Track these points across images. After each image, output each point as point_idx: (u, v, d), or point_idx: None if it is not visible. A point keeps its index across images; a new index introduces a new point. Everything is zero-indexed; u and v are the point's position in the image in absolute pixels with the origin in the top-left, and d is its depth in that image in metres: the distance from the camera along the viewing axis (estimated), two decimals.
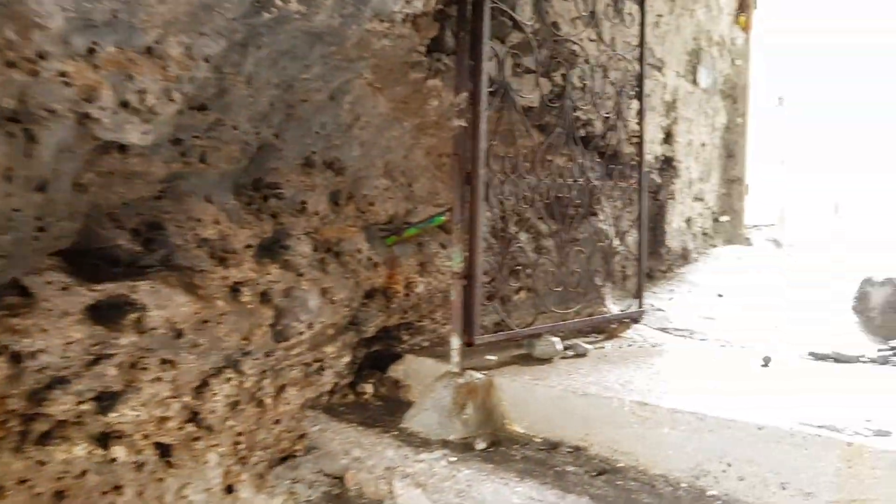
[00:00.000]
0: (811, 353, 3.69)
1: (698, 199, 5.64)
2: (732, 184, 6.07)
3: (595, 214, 4.34)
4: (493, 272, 3.42)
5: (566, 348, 3.63)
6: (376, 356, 3.51)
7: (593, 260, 4.07)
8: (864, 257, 5.83)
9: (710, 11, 5.63)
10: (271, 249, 2.99)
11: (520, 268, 3.80)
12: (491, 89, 3.26)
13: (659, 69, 4.96)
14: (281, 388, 3.11)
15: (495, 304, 3.36)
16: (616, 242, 4.28)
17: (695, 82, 5.48)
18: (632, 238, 4.50)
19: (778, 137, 6.71)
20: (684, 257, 5.40)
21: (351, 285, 3.24)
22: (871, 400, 2.65)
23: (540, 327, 3.62)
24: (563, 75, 3.93)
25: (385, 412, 3.32)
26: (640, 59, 4.37)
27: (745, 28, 6.09)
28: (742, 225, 6.12)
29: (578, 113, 4.15)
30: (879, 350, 3.75)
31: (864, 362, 3.56)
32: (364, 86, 3.11)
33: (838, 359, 3.59)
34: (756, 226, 6.40)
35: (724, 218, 6.04)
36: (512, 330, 3.45)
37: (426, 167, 3.56)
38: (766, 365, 3.43)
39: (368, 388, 3.46)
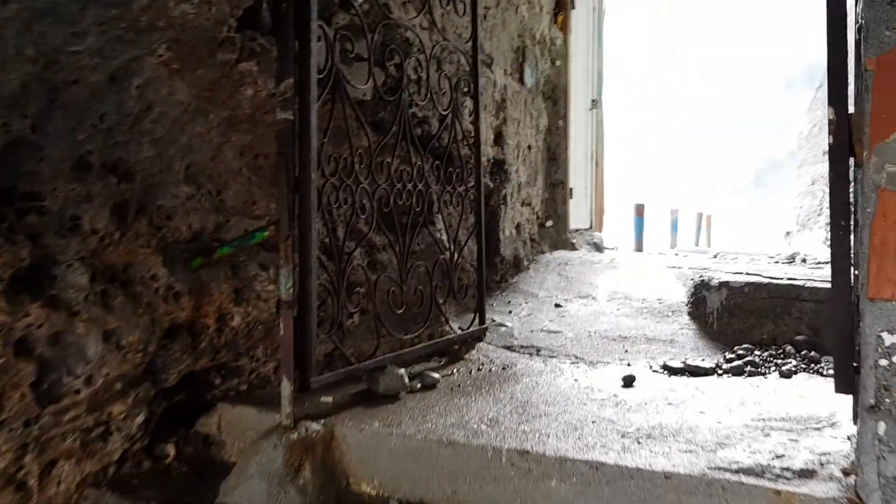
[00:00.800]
0: (665, 367, 3.55)
1: (526, 203, 5.46)
2: (556, 188, 5.99)
3: (433, 223, 3.94)
4: (326, 295, 2.89)
5: (412, 378, 3.19)
6: (180, 407, 2.84)
7: (434, 274, 3.67)
8: (684, 259, 6.02)
9: (533, 8, 5.49)
10: (30, 282, 2.24)
11: (357, 288, 3.30)
12: (320, 76, 2.73)
13: (488, 66, 4.68)
14: (50, 465, 2.37)
15: (329, 333, 2.83)
16: (454, 253, 3.91)
17: (521, 81, 5.29)
18: (469, 248, 4.16)
19: (594, 140, 6.78)
20: (516, 266, 5.19)
21: (145, 323, 2.55)
22: (764, 426, 2.46)
23: (383, 358, 3.14)
24: (398, 65, 3.48)
25: (194, 481, 2.68)
26: (474, 52, 4.04)
27: (563, 28, 6.04)
28: (567, 230, 6.07)
29: (415, 109, 3.73)
30: (727, 359, 3.71)
31: (720, 374, 3.48)
32: (158, 66, 2.45)
33: (694, 372, 3.48)
34: (578, 230, 6.39)
35: (549, 223, 5.94)
36: (351, 365, 2.94)
37: (240, 171, 2.95)
38: (628, 385, 3.22)
39: (170, 451, 2.78)
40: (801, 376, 3.41)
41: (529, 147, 5.53)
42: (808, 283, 4.18)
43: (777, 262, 6.27)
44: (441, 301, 3.82)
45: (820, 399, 2.89)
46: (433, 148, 3.81)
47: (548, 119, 5.93)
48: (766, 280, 4.31)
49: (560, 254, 5.81)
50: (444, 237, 3.98)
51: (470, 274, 4.40)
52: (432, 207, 3.76)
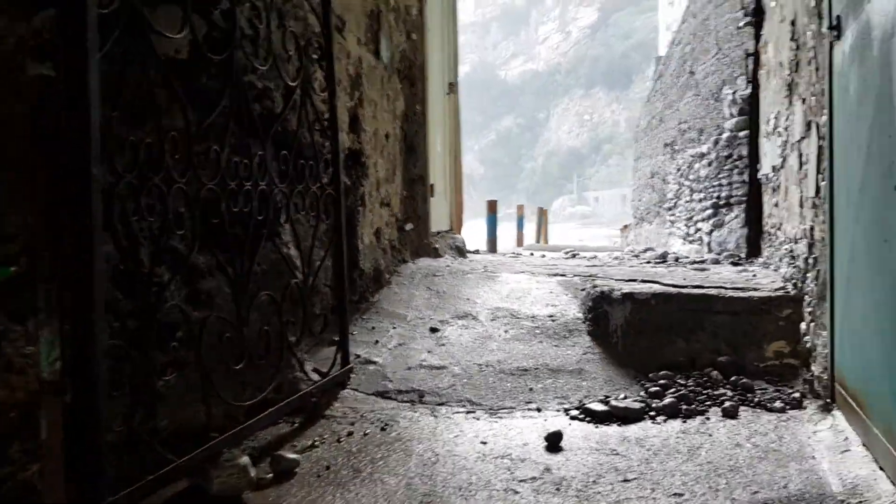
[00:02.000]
0: (586, 412, 2.85)
1: (385, 204, 4.61)
2: (415, 184, 5.19)
3: (280, 235, 2.99)
4: (121, 350, 1.89)
5: (259, 458, 2.26)
6: None
7: (283, 305, 2.73)
8: (557, 261, 5.45)
9: None
10: None
11: (175, 339, 2.29)
12: (103, 9, 1.73)
13: (339, 31, 3.77)
14: None
15: (130, 419, 1.84)
16: (308, 274, 2.99)
17: (377, 55, 4.42)
18: (326, 264, 3.25)
19: (451, 129, 6.06)
20: (377, 280, 4.33)
21: None
22: None
23: (216, 442, 2.17)
24: (227, 12, 2.49)
25: None
26: (325, 7, 3.13)
27: None
28: (428, 233, 5.29)
29: (253, 77, 2.76)
30: (650, 392, 3.08)
31: (653, 417, 2.82)
32: None
33: (624, 417, 2.80)
34: (439, 232, 5.64)
35: (409, 226, 5.13)
36: (169, 462, 1.96)
37: None
38: (553, 447, 2.47)
39: None
40: (746, 415, 2.84)
41: (388, 136, 4.67)
42: (722, 293, 3.66)
43: (650, 262, 5.87)
44: (294, 339, 2.88)
45: (800, 453, 2.29)
46: (278, 133, 2.87)
47: (405, 103, 5.11)
48: (675, 290, 3.76)
49: (425, 262, 5.01)
50: (295, 253, 3.04)
51: (326, 298, 3.48)
52: (279, 214, 2.82)
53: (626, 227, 12.04)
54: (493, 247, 8.10)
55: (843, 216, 2.37)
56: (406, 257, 4.97)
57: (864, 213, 2.07)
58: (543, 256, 7.43)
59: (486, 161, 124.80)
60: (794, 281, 3.58)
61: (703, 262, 5.58)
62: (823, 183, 2.73)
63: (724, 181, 6.06)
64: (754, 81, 4.65)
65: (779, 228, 4.15)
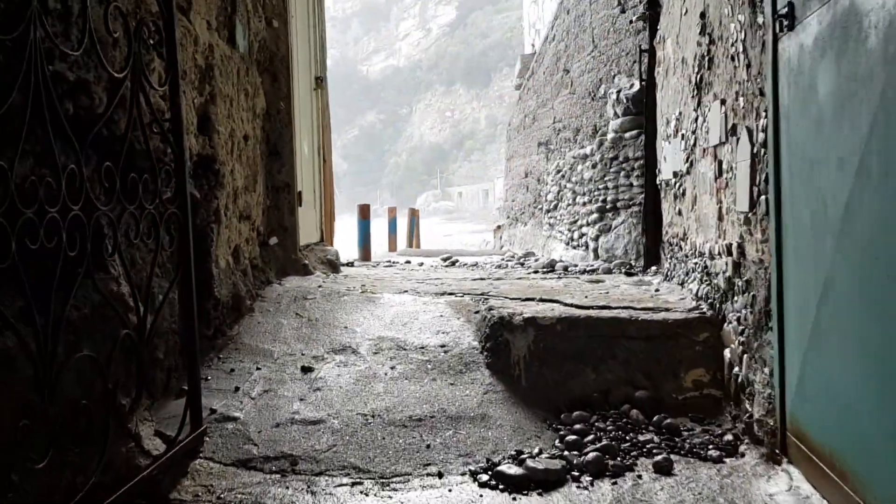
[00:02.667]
0: (498, 476, 2.38)
1: (245, 217, 3.96)
2: (280, 192, 4.55)
3: (106, 269, 2.31)
4: None
5: None
6: None
7: (113, 357, 2.09)
8: (440, 272, 4.97)
9: None
10: None
11: None
12: None
13: (184, 11, 3.10)
14: None
15: None
16: (147, 316, 2.34)
17: (232, 43, 3.75)
18: (172, 297, 2.60)
19: (319, 129, 5.44)
20: (237, 308, 3.67)
21: None
22: None
23: None
24: None
25: None
26: None
27: None
28: (296, 247, 4.66)
29: (61, 66, 2.08)
30: (567, 441, 2.65)
31: (577, 479, 2.38)
32: None
33: (543, 481, 2.34)
34: (308, 245, 5.02)
35: (273, 240, 4.49)
36: None
37: None
38: None
39: None
40: (681, 467, 2.46)
41: (246, 137, 4.02)
42: (633, 315, 3.31)
43: (538, 272, 5.52)
44: (126, 404, 2.23)
45: None
46: (101, 137, 2.21)
47: (266, 100, 4.45)
48: (582, 313, 3.37)
49: (293, 282, 4.38)
50: (128, 290, 2.37)
51: (169, 340, 2.83)
52: (103, 243, 2.16)
53: (499, 227, 11.81)
54: (366, 254, 7.53)
55: (805, 240, 2.02)
56: (271, 277, 4.33)
57: (852, 241, 1.71)
58: (421, 265, 6.95)
59: (349, 157, 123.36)
60: (710, 301, 3.28)
61: (594, 270, 5.29)
62: (764, 197, 2.39)
63: (610, 184, 5.81)
64: (649, 80, 4.38)
65: (683, 239, 3.88)
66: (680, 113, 3.84)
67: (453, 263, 7.06)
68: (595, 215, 5.92)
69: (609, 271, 5.13)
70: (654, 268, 4.58)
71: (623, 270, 5.12)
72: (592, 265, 5.56)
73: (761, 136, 2.46)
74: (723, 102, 2.98)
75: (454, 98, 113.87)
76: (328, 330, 3.70)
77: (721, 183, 3.05)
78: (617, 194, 5.72)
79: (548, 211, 7.77)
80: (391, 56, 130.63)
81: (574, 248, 6.42)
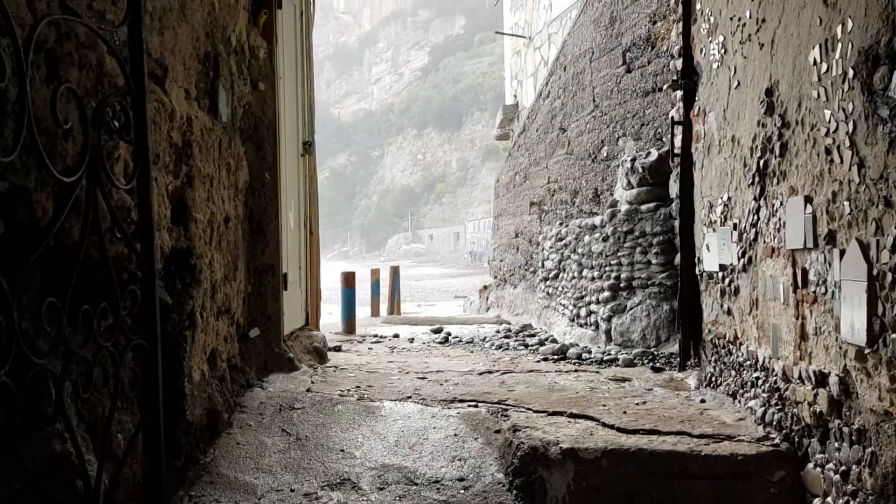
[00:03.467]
0: None
1: (224, 311, 3.38)
2: (264, 276, 3.99)
3: (55, 418, 1.72)
4: None
5: None
6: None
7: None
8: (440, 355, 4.38)
9: None
10: None
11: None
12: None
13: (159, 80, 2.56)
14: None
15: None
16: (102, 474, 1.75)
17: (214, 112, 3.21)
18: (134, 452, 2.02)
19: (306, 198, 4.89)
20: (212, 427, 3.07)
21: None
22: None
23: None
24: None
25: None
26: (135, 50, 1.95)
27: (268, 33, 4.10)
28: (280, 338, 4.08)
29: None
30: None
31: None
32: None
33: None
34: (293, 333, 4.43)
35: (254, 332, 3.90)
36: None
37: None
38: None
39: None
40: None
41: (227, 219, 3.45)
42: (695, 450, 2.76)
43: (548, 360, 4.98)
44: None
45: None
46: (48, 253, 1.65)
47: (250, 172, 3.90)
48: (630, 444, 2.82)
49: (278, 385, 3.77)
50: (75, 447, 1.78)
51: (136, 487, 2.23)
52: (46, 392, 1.59)
53: (485, 287, 11.27)
54: (350, 327, 6.92)
55: None
56: (251, 378, 3.72)
57: None
58: (412, 341, 6.37)
59: (320, 198, 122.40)
60: (783, 430, 2.75)
61: (613, 360, 4.76)
62: None
63: (624, 260, 5.31)
64: (684, 156, 3.91)
65: (734, 343, 3.36)
66: (729, 198, 3.36)
67: (446, 339, 6.48)
68: (607, 293, 5.41)
69: (631, 363, 4.59)
70: (688, 366, 4.06)
71: (648, 363, 4.59)
72: (609, 352, 5.03)
73: (887, 256, 1.97)
74: (808, 200, 2.49)
75: (426, 141, 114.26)
76: (321, 453, 3.09)
77: (805, 295, 2.55)
78: (632, 272, 5.23)
79: (546, 279, 7.26)
80: (363, 99, 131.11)
81: (581, 325, 5.89)
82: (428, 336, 6.86)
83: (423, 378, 4.16)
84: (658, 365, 4.47)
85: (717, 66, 3.52)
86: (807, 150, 2.53)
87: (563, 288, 6.50)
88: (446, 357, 5.20)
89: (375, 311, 9.57)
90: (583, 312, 5.86)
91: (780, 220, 2.79)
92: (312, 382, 3.87)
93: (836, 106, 2.27)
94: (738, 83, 3.26)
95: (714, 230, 3.55)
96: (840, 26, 2.24)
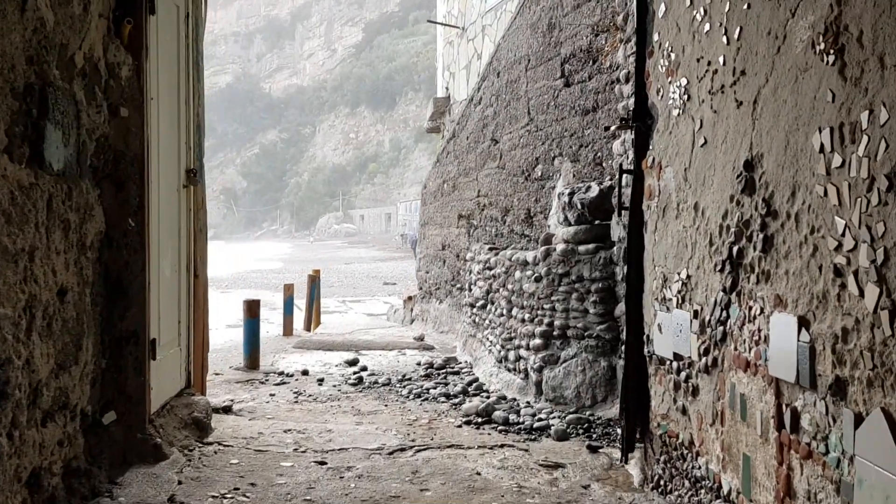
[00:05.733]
0: None
1: (60, 408, 2.63)
2: (123, 346, 3.23)
3: None
4: None
5: None
6: None
7: None
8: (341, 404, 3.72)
9: (68, 5, 2.68)
10: None
11: None
12: None
13: None
14: None
15: None
16: None
17: (38, 161, 2.43)
18: None
19: (190, 236, 4.12)
20: None
21: None
22: None
23: None
24: None
25: None
26: None
27: (134, 47, 3.31)
28: (146, 420, 3.34)
29: None
30: None
31: None
32: None
33: None
34: (166, 405, 3.68)
35: (109, 416, 3.16)
36: None
37: None
38: None
39: None
40: None
41: (64, 292, 2.69)
42: None
43: (472, 422, 4.37)
44: None
45: None
46: None
47: (106, 218, 3.13)
48: None
49: (132, 493, 3.02)
50: None
51: None
52: None
53: (410, 298, 10.61)
54: (254, 362, 6.14)
55: None
56: (98, 482, 2.96)
57: None
58: (322, 382, 5.66)
59: (249, 175, 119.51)
60: None
61: (544, 428, 4.18)
62: None
63: (558, 305, 4.73)
64: (634, 209, 3.32)
65: (688, 449, 2.80)
66: (689, 277, 2.78)
67: (360, 379, 5.78)
68: (538, 341, 4.82)
69: (565, 435, 4.01)
70: (632, 453, 3.49)
71: (583, 432, 4.03)
72: (540, 413, 4.44)
73: None
74: (803, 324, 1.92)
75: (358, 120, 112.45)
76: None
77: (794, 442, 1.98)
78: (567, 319, 4.65)
79: (472, 305, 6.65)
80: (295, 75, 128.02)
81: (509, 370, 5.30)
82: (341, 371, 6.16)
83: (323, 463, 3.47)
84: (595, 441, 3.91)
85: (678, 114, 2.93)
86: (802, 256, 1.95)
87: (490, 322, 5.90)
88: (355, 415, 4.52)
89: (289, 331, 8.77)
90: (511, 356, 5.27)
91: (759, 330, 2.21)
92: (180, 483, 3.13)
93: (857, 219, 1.68)
94: (705, 141, 2.67)
95: (668, 309, 2.97)
96: (867, 113, 1.65)
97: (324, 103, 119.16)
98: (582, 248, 4.58)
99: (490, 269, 5.96)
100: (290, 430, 4.06)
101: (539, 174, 6.34)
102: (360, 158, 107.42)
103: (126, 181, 3.28)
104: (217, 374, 5.86)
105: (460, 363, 6.43)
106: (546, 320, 4.81)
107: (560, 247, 4.72)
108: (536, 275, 4.92)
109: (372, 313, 14.94)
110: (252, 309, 6.23)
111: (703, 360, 2.65)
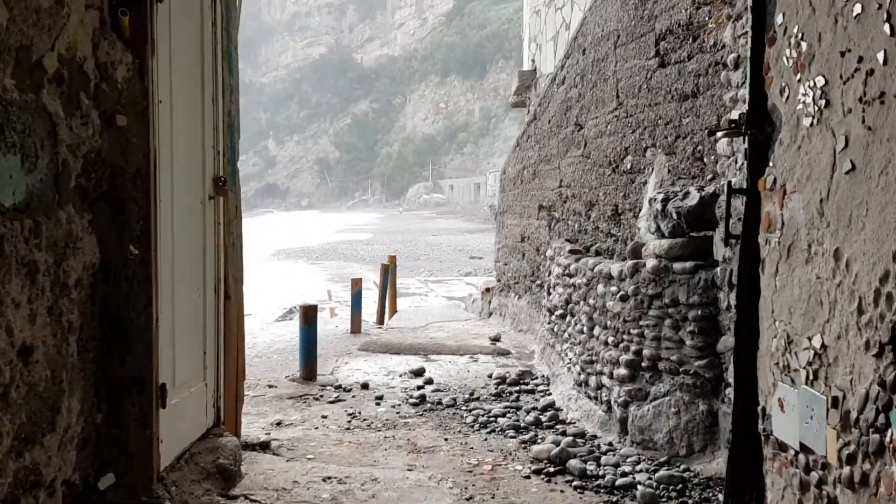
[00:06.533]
0: None
1: (30, 487, 2.18)
2: (125, 395, 2.74)
3: None
4: None
5: None
6: None
7: None
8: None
9: None
10: None
11: None
12: None
13: None
14: None
15: None
16: None
17: None
18: None
19: (217, 252, 3.64)
20: None
21: None
22: None
23: None
24: None
25: None
26: None
27: (135, 42, 2.80)
28: (153, 479, 2.86)
29: None
30: None
31: None
32: None
33: None
34: (186, 452, 3.22)
35: (106, 480, 2.69)
36: None
37: None
38: None
39: None
40: None
41: (26, 353, 2.21)
42: None
43: (543, 470, 3.73)
44: None
45: None
46: None
47: (102, 248, 2.65)
48: None
49: None
50: None
51: None
52: None
53: (488, 290, 9.99)
54: (310, 372, 5.66)
55: None
56: None
57: None
58: (380, 401, 5.14)
59: (341, 145, 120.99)
60: None
61: (629, 486, 3.50)
62: None
63: (647, 332, 4.02)
64: (747, 240, 2.58)
65: None
66: (824, 347, 2.05)
67: (423, 398, 5.23)
68: (624, 371, 4.13)
69: (654, 500, 3.33)
70: None
71: (676, 496, 3.34)
72: (624, 463, 3.76)
73: None
74: None
75: (448, 89, 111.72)
76: None
77: None
78: (658, 349, 3.93)
79: (551, 311, 5.98)
80: (386, 45, 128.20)
81: (589, 398, 4.63)
82: (404, 384, 5.63)
83: None
84: None
85: (812, 124, 2.17)
86: None
87: (569, 335, 5.22)
88: (410, 452, 3.97)
89: (356, 328, 8.31)
90: (592, 382, 4.59)
91: None
92: None
93: None
94: (853, 166, 1.92)
95: (793, 382, 2.24)
96: None
97: (414, 73, 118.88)
98: (678, 265, 3.84)
99: (570, 276, 5.26)
100: (330, 478, 3.52)
101: (628, 166, 5.56)
102: (450, 128, 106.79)
103: (126, 201, 2.77)
104: (271, 385, 5.43)
105: (536, 377, 5.79)
106: (633, 347, 4.11)
107: (651, 263, 3.99)
108: (623, 293, 4.21)
109: (453, 296, 14.44)
110: (308, 315, 5.75)
111: (847, 469, 1.93)
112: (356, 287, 8.35)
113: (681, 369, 3.82)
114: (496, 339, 7.76)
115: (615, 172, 5.84)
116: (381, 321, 9.77)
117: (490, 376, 5.88)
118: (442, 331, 8.55)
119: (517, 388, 5.47)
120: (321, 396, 5.18)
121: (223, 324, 3.62)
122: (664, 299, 3.90)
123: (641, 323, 4.05)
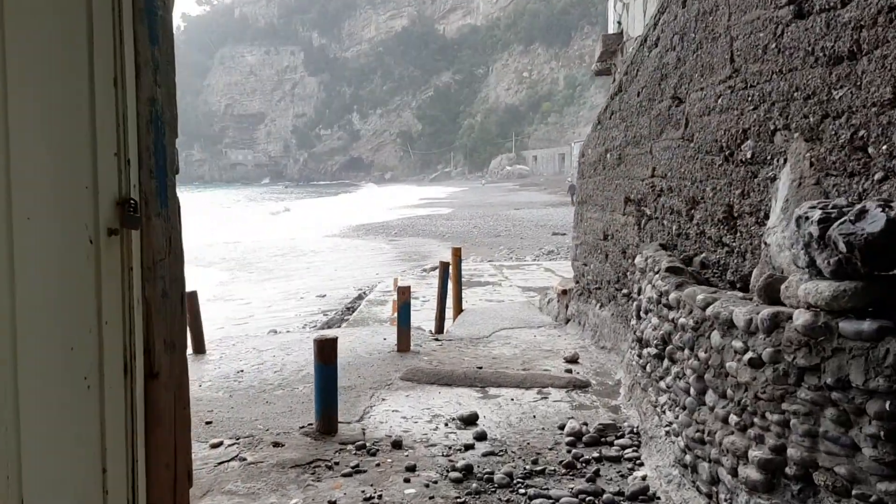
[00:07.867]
0: None
1: None
2: None
3: None
4: None
5: None
6: None
7: None
8: None
9: None
10: None
11: None
12: None
13: None
14: None
15: None
16: None
17: None
18: None
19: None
20: None
21: None
22: None
23: None
24: None
25: None
26: None
27: None
28: None
29: None
30: None
31: None
32: None
33: None
34: None
35: None
36: None
37: None
38: None
39: None
40: None
41: None
42: None
43: None
44: None
45: None
46: None
47: None
48: None
49: None
50: None
51: None
52: None
53: (565, 292, 8.60)
54: (329, 427, 4.47)
55: None
56: None
57: None
58: (413, 472, 3.89)
59: (424, 118, 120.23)
60: None
61: None
62: None
63: (796, 422, 2.60)
64: None
65: None
66: None
67: (469, 468, 3.97)
68: (755, 474, 2.75)
69: None
70: None
71: None
72: None
73: None
74: None
75: (532, 58, 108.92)
76: None
77: None
78: (813, 451, 2.53)
79: (641, 342, 4.60)
80: (468, 15, 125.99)
81: (700, 492, 3.25)
82: (449, 440, 4.37)
83: None
84: None
85: None
86: None
87: (668, 386, 3.85)
88: None
89: (405, 345, 7.00)
90: (703, 471, 3.22)
91: None
92: None
93: None
94: None
95: None
96: None
97: (497, 42, 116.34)
98: (849, 326, 2.40)
99: (669, 307, 3.85)
100: None
101: (748, 155, 4.08)
102: (534, 98, 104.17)
103: None
104: (276, 444, 4.25)
105: (622, 433, 4.42)
106: (771, 441, 2.71)
107: (803, 317, 2.56)
108: (753, 355, 2.80)
109: (529, 287, 13.04)
110: (325, 352, 4.50)
111: None
112: (403, 297, 7.06)
113: (853, 490, 2.40)
114: (573, 360, 6.39)
115: (728, 162, 4.35)
116: (440, 329, 8.54)
117: (562, 428, 4.55)
118: (509, 344, 7.23)
119: (597, 454, 4.12)
120: (336, 464, 3.97)
121: (142, 417, 2.43)
122: (825, 377, 2.47)
123: (785, 407, 2.64)
